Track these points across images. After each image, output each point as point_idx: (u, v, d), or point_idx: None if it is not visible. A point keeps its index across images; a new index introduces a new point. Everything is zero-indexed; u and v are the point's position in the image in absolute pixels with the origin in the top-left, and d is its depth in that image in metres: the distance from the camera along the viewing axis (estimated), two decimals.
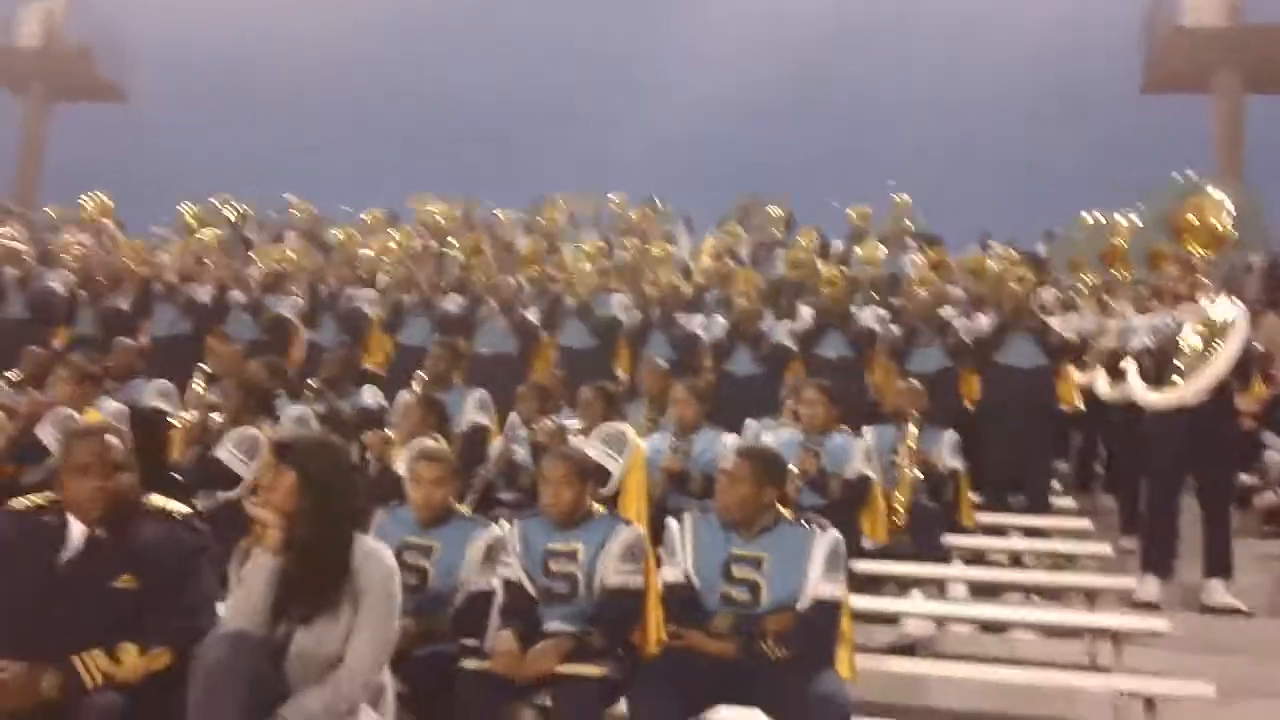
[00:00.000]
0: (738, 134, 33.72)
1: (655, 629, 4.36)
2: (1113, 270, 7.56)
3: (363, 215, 13.59)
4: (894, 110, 33.58)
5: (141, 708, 3.21)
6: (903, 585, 6.22)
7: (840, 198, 13.02)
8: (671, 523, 4.30)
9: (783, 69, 33.34)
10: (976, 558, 6.89)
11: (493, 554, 4.41)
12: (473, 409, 7.28)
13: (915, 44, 33.50)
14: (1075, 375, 8.02)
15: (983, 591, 6.45)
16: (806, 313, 8.90)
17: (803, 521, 4.16)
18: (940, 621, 5.94)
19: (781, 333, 8.71)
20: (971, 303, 9.20)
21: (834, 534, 4.09)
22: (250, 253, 11.92)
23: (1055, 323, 8.11)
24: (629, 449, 6.04)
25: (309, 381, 7.80)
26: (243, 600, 3.32)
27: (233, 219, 13.28)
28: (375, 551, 3.47)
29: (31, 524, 3.50)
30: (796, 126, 33.68)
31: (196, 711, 3.14)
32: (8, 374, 7.74)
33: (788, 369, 8.53)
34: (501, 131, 34.58)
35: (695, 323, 9.14)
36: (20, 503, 3.62)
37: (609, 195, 14.23)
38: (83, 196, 12.59)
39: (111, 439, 3.48)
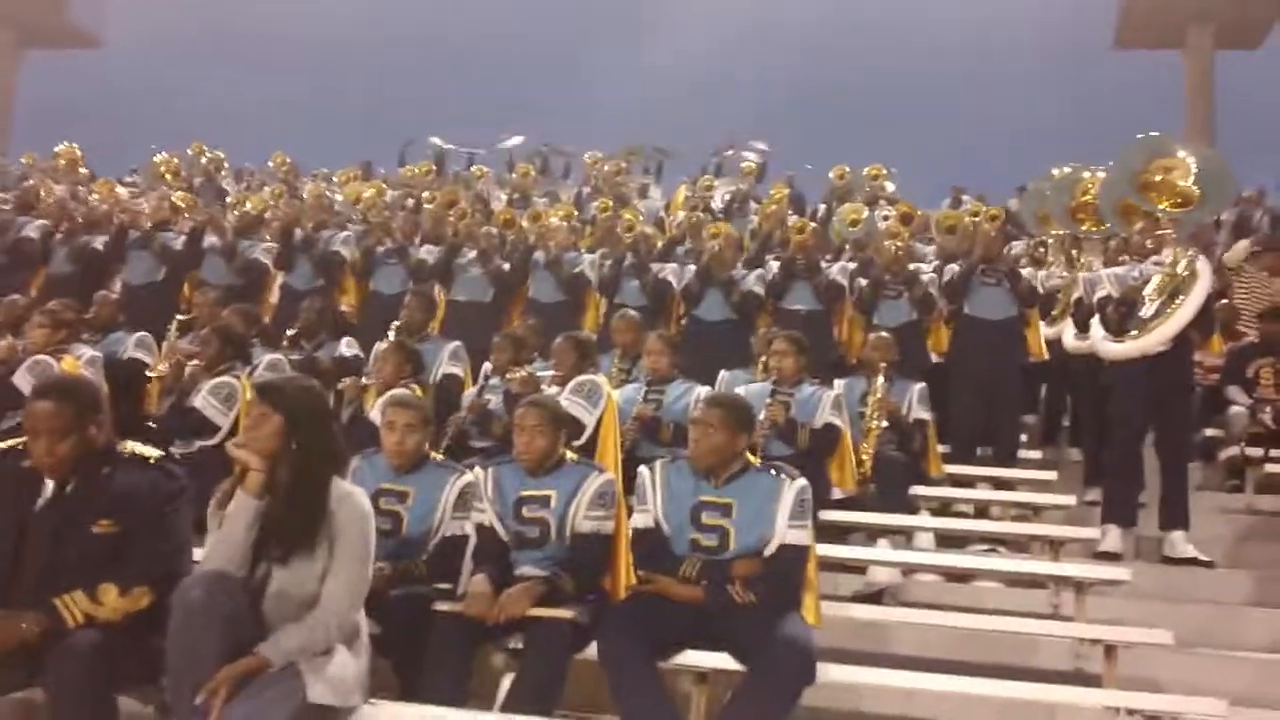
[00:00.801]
0: (724, 76, 33.57)
1: (625, 574, 4.43)
2: (1081, 225, 7.62)
3: (336, 176, 13.53)
4: (864, 64, 33.47)
5: (122, 647, 3.27)
6: (870, 535, 6.31)
7: (819, 144, 13.06)
8: (642, 470, 4.37)
9: (785, 20, 33.18)
10: (943, 508, 7.00)
11: (466, 500, 4.47)
12: (447, 360, 7.36)
13: (919, 8, 33.37)
14: (1043, 328, 8.11)
15: (949, 542, 6.56)
16: (774, 266, 8.93)
17: (771, 469, 4.25)
18: (906, 571, 6.04)
19: (752, 280, 8.72)
20: (944, 258, 9.26)
21: (802, 481, 4.18)
22: (226, 199, 11.88)
23: (1025, 273, 8.19)
24: (603, 400, 6.09)
25: (286, 331, 7.83)
26: (223, 542, 3.37)
27: (207, 168, 13.22)
28: (351, 494, 3.53)
29: (9, 469, 3.53)
30: (794, 82, 33.59)
31: (175, 649, 3.19)
32: None
33: (759, 317, 8.57)
34: (492, 73, 34.30)
35: (667, 271, 9.16)
36: None
37: (585, 155, 14.19)
38: (56, 148, 12.49)
39: (64, 402, 3.45)
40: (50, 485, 3.48)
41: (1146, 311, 6.25)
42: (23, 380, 6.46)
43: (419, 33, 34.61)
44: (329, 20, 34.08)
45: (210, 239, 9.59)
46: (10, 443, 3.65)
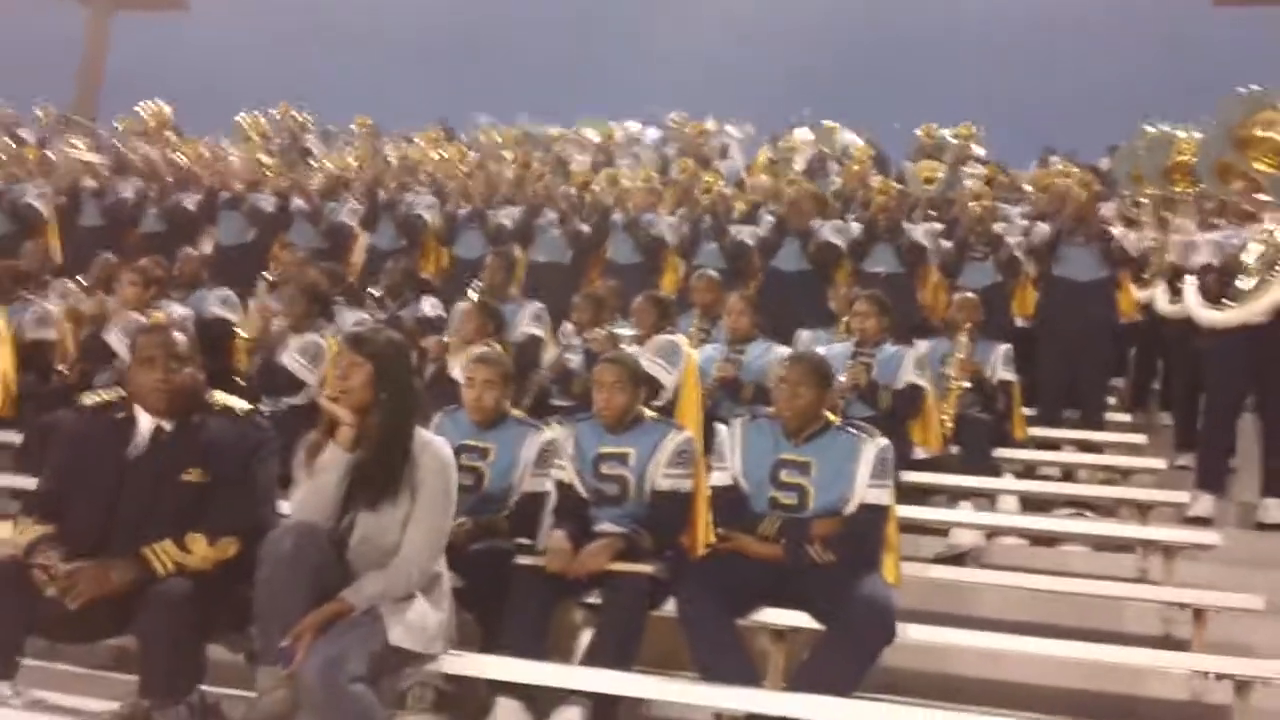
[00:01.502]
0: (798, 58, 33.11)
1: (703, 532, 4.44)
2: (1175, 185, 7.40)
3: (417, 137, 13.60)
4: (956, 28, 32.76)
5: (211, 596, 3.33)
6: (953, 497, 6.25)
7: (899, 112, 12.77)
8: (721, 427, 4.37)
9: None
10: (1028, 471, 6.89)
11: (546, 456, 4.50)
12: (528, 320, 7.41)
13: None
14: (1135, 291, 7.91)
15: (1034, 506, 6.45)
16: (855, 228, 8.80)
17: (851, 428, 4.21)
18: (989, 533, 5.97)
19: (829, 231, 8.61)
20: (1034, 217, 9.06)
21: (882, 441, 4.13)
22: (310, 161, 12.03)
23: (1116, 233, 7.98)
24: (682, 359, 6.08)
25: (369, 290, 7.94)
26: (314, 493, 3.44)
27: (293, 129, 13.39)
28: (433, 443, 3.58)
29: (102, 420, 3.62)
30: (859, 47, 33.00)
31: (264, 597, 3.27)
32: (81, 280, 7.96)
33: (836, 270, 8.48)
34: (558, 53, 34.25)
35: (745, 233, 9.07)
36: (90, 399, 3.75)
37: (669, 115, 14.04)
38: (138, 106, 12.70)
39: (176, 334, 3.59)
40: (144, 435, 3.55)
41: (1247, 283, 6.05)
42: (114, 337, 6.62)
43: (498, 11, 34.70)
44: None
45: (296, 202, 9.72)
46: (104, 396, 3.74)
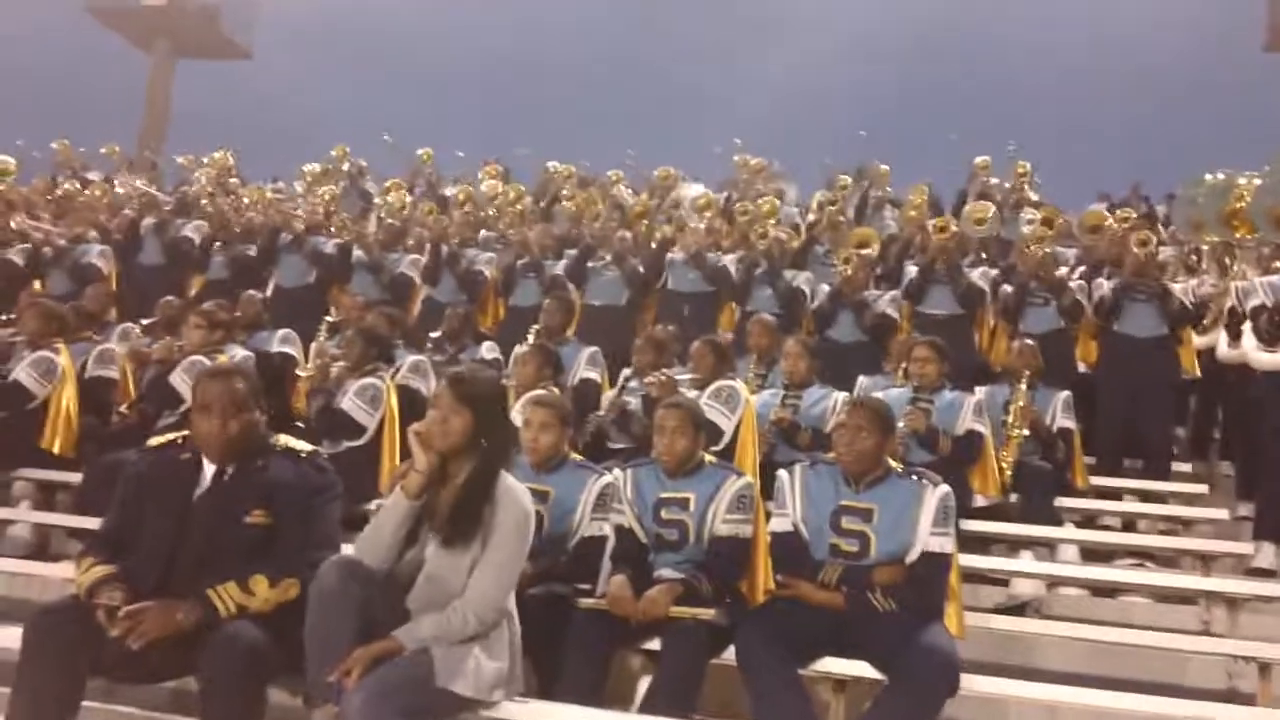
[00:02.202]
0: (859, 84, 33.22)
1: (763, 578, 4.43)
2: (1235, 231, 7.33)
3: (478, 173, 13.74)
4: (1007, 73, 32.76)
5: (272, 637, 3.33)
6: (1013, 546, 6.19)
7: (950, 157, 12.70)
8: (781, 473, 4.35)
9: (905, 21, 32.72)
10: (1088, 521, 6.81)
11: (605, 500, 4.49)
12: (585, 364, 7.45)
13: (1031, 6, 32.63)
14: (1195, 338, 7.83)
15: (1095, 555, 6.37)
16: (911, 270, 8.76)
17: (913, 474, 4.18)
18: (1050, 583, 5.89)
19: (885, 302, 8.56)
20: (1091, 265, 8.98)
21: (945, 488, 4.11)
22: (368, 205, 12.20)
23: (1176, 287, 7.91)
24: (741, 404, 6.08)
25: (430, 335, 8.02)
26: (372, 531, 3.44)
27: (351, 172, 13.59)
28: (514, 490, 3.52)
29: (168, 461, 3.65)
30: (916, 81, 33.08)
31: (311, 634, 3.28)
32: (143, 321, 8.09)
33: (891, 339, 8.45)
34: (619, 82, 34.63)
35: (800, 279, 9.06)
36: (156, 441, 3.80)
37: (735, 156, 14.08)
38: (209, 156, 12.95)
39: (235, 381, 3.59)
40: (208, 476, 3.58)
41: None
42: (179, 380, 6.69)
43: (551, 53, 35.20)
44: (467, 35, 34.86)
45: (357, 253, 9.83)
46: (170, 436, 3.78)
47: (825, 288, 8.85)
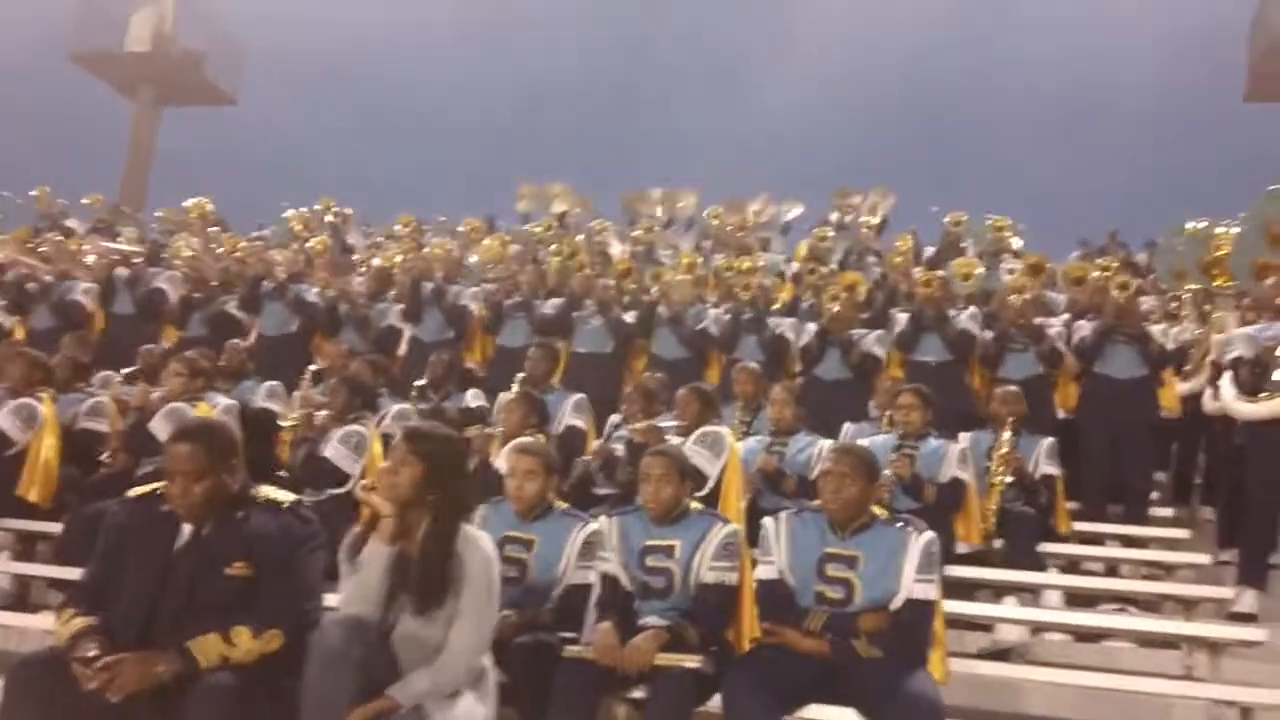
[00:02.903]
0: (834, 132, 33.52)
1: (749, 626, 4.42)
2: (1215, 280, 7.43)
3: (460, 227, 13.81)
4: (993, 115, 33.16)
5: (255, 688, 3.32)
6: (997, 592, 6.20)
7: (937, 198, 12.83)
8: (767, 521, 4.36)
9: (881, 63, 33.11)
10: (1072, 566, 6.83)
11: (590, 548, 4.50)
12: (570, 411, 7.46)
13: (1018, 48, 33.07)
14: (1177, 384, 7.90)
15: (1078, 600, 6.39)
16: (901, 317, 8.83)
17: (898, 522, 4.20)
18: (1034, 629, 5.91)
19: (872, 341, 8.63)
20: (1074, 313, 9.06)
21: (930, 535, 4.12)
22: (354, 256, 12.22)
23: (1156, 331, 7.99)
24: (726, 451, 6.10)
25: (413, 381, 8.02)
26: (359, 586, 3.46)
27: (334, 223, 13.62)
28: (475, 539, 3.58)
29: (148, 513, 3.63)
30: (894, 127, 33.43)
31: (311, 691, 3.27)
32: (123, 370, 8.08)
33: (877, 377, 8.49)
34: (595, 129, 34.87)
35: (785, 325, 9.11)
36: (136, 492, 3.77)
37: (706, 211, 14.21)
38: (187, 202, 12.95)
39: (200, 445, 3.52)
40: (188, 529, 3.56)
41: None
42: (160, 427, 6.66)
43: (526, 91, 35.50)
44: (457, 78, 35.11)
45: (343, 307, 9.83)
46: (149, 487, 3.75)
47: (811, 327, 8.90)
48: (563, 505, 4.77)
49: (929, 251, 12.02)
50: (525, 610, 4.32)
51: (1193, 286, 7.71)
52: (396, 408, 7.29)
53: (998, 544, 6.37)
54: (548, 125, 34.85)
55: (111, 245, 12.07)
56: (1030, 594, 6.27)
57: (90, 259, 11.02)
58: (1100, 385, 7.82)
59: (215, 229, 12.28)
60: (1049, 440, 6.92)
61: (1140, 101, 30.59)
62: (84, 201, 15.08)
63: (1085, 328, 8.10)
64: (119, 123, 24.33)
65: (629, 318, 9.36)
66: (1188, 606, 5.86)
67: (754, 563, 4.42)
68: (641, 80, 36.03)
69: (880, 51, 33.32)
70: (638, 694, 4.06)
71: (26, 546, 6.91)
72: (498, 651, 3.74)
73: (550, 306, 9.53)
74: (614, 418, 7.04)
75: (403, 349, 9.66)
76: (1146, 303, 9.32)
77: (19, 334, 9.94)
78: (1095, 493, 7.53)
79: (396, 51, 34.08)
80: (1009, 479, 6.54)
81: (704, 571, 4.31)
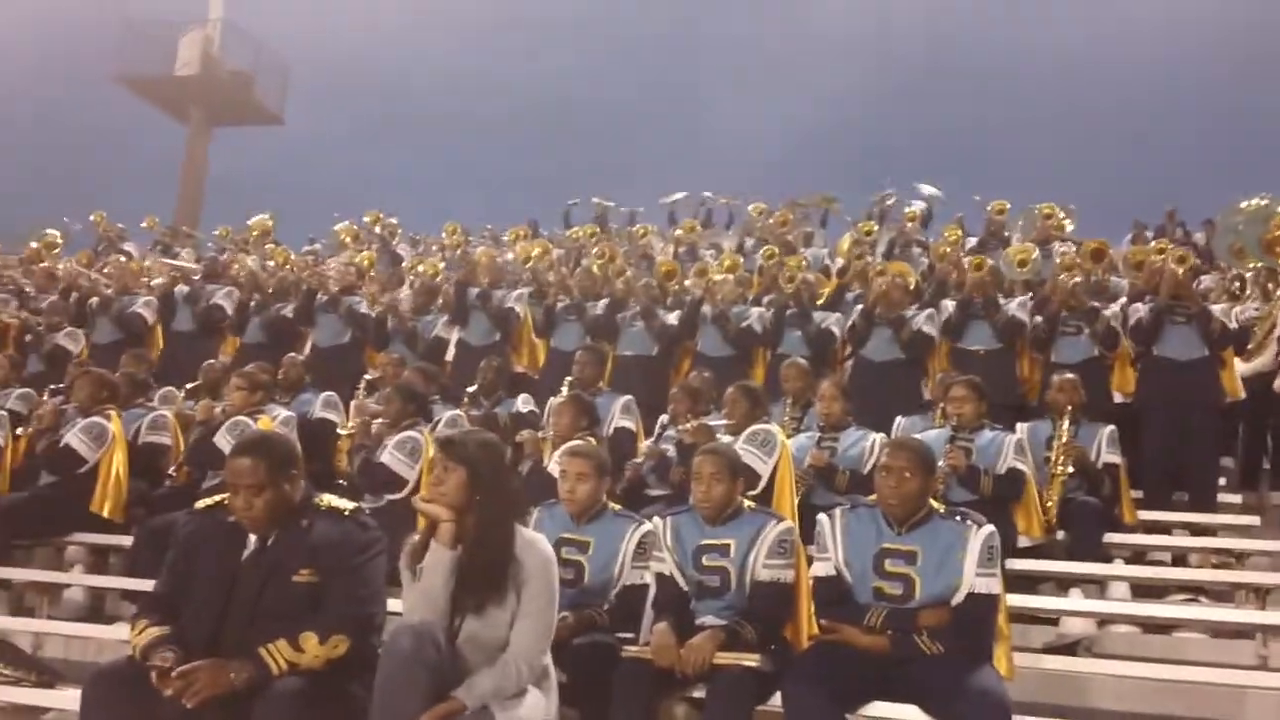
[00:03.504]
0: (870, 120, 33.33)
1: (807, 623, 4.39)
2: (1277, 258, 7.26)
3: (505, 235, 13.86)
4: (1045, 98, 32.82)
5: (322, 693, 3.38)
6: (1061, 585, 6.10)
7: (989, 193, 12.68)
8: (822, 517, 4.31)
9: (909, 51, 32.90)
10: (1138, 556, 6.70)
11: (645, 549, 4.51)
12: (619, 414, 7.46)
13: (1047, 26, 32.73)
14: (1239, 365, 7.72)
15: (1146, 592, 6.27)
16: (949, 304, 8.70)
17: (957, 515, 4.13)
18: (1101, 622, 5.81)
19: (922, 319, 8.44)
20: (1133, 296, 8.87)
21: (990, 528, 4.05)
22: (402, 266, 12.30)
23: (1217, 309, 7.80)
24: (777, 448, 6.04)
25: (464, 387, 8.06)
26: (423, 593, 3.50)
27: (382, 235, 13.73)
28: (534, 541, 3.63)
29: (215, 524, 3.71)
30: (943, 120, 33.17)
31: (382, 696, 3.32)
32: (187, 385, 8.22)
33: (929, 357, 8.36)
34: (631, 131, 34.97)
35: (830, 320, 8.98)
36: (203, 504, 3.85)
37: (749, 207, 14.14)
38: (250, 220, 13.12)
39: (261, 458, 3.58)
40: (254, 538, 3.63)
41: None
42: (223, 441, 6.78)
43: (569, 99, 35.69)
44: (490, 94, 35.42)
45: (391, 321, 9.88)
46: (215, 499, 3.83)
47: (857, 309, 8.79)
48: (616, 507, 4.78)
49: (972, 242, 11.83)
50: (583, 611, 4.34)
51: (1255, 264, 7.52)
52: (449, 414, 7.34)
53: (1061, 536, 6.26)
54: (580, 128, 35.04)
55: (171, 262, 12.27)
56: (1096, 586, 6.15)
57: (156, 281, 11.19)
58: (1160, 368, 7.60)
59: (272, 246, 12.41)
60: (1109, 428, 6.77)
61: (1185, 79, 30.11)
62: (142, 225, 15.38)
63: (1141, 309, 7.91)
64: (170, 146, 24.77)
65: (673, 319, 9.31)
66: (1261, 595, 5.72)
67: (809, 560, 4.39)
68: (672, 80, 36.10)
69: (908, 40, 33.08)
70: (697, 694, 4.05)
71: (99, 560, 7.12)
72: (556, 652, 3.75)
73: (600, 308, 9.52)
74: (663, 418, 7.02)
75: (450, 354, 9.69)
76: (1206, 282, 9.12)
77: (82, 350, 10.12)
78: (1158, 480, 7.33)
79: (436, 66, 34.39)
80: (1070, 469, 6.42)
81: (759, 570, 4.28)
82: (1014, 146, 30.86)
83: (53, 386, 7.68)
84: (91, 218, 14.69)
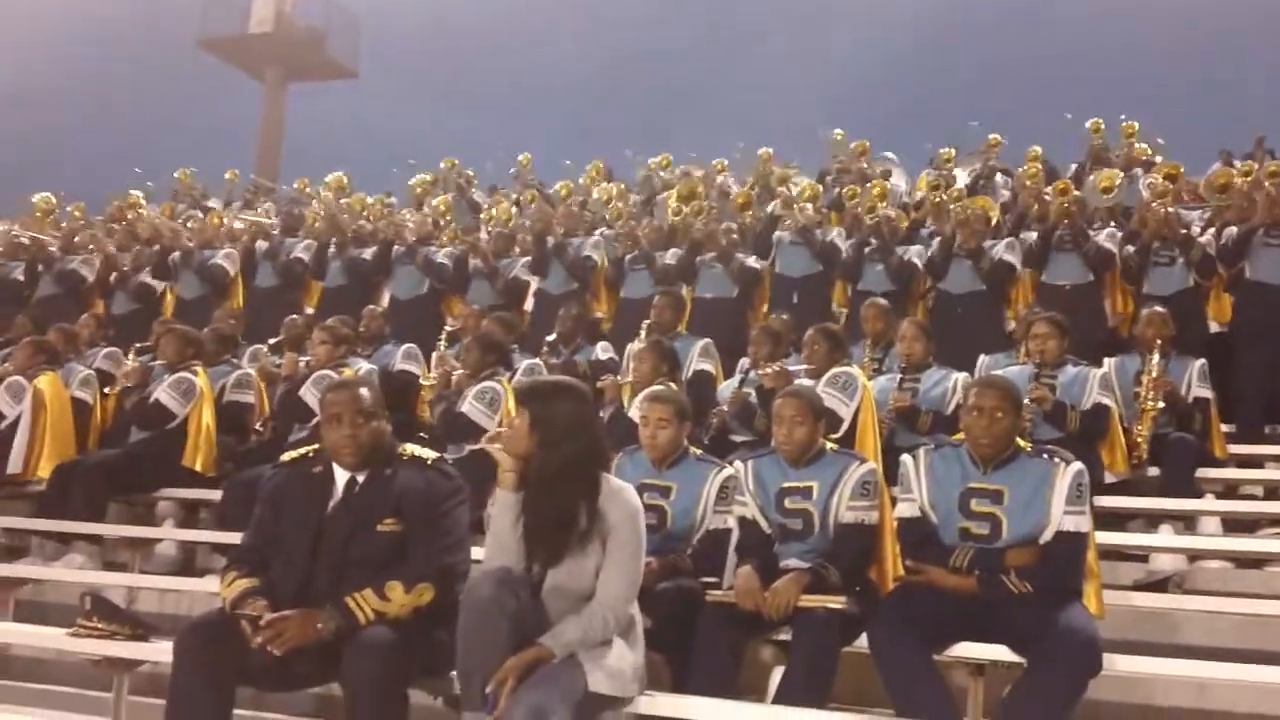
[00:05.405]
0: (942, 56, 32.61)
1: (892, 565, 4.38)
2: None
3: (581, 178, 13.82)
4: (1131, 23, 31.80)
5: (409, 641, 3.42)
6: (1150, 521, 6.00)
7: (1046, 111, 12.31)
8: (905, 458, 4.26)
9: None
10: (1230, 491, 6.56)
11: (727, 493, 4.50)
12: (698, 356, 7.45)
13: None
14: None
15: (1237, 526, 6.15)
16: (1031, 236, 8.48)
17: (1044, 453, 4.06)
18: (1192, 557, 5.71)
19: (1002, 248, 8.27)
20: (1221, 225, 8.61)
21: (1078, 465, 3.98)
22: (479, 215, 12.36)
23: None
24: (859, 391, 6.00)
25: (543, 336, 8.11)
26: (495, 537, 3.51)
27: (460, 184, 13.79)
28: (621, 490, 3.57)
29: (301, 475, 3.77)
30: (1007, 44, 32.38)
31: (465, 643, 3.33)
32: (270, 341, 8.36)
33: (1010, 288, 8.20)
34: (697, 79, 34.66)
35: (912, 253, 8.82)
36: (289, 456, 3.91)
37: (834, 131, 13.85)
38: (328, 177, 13.23)
39: (362, 390, 3.70)
40: (340, 487, 3.68)
41: None
42: (309, 394, 6.90)
43: (643, 48, 35.45)
44: (563, 42, 35.26)
45: (473, 262, 9.96)
46: (301, 451, 3.90)
47: (935, 242, 8.65)
48: (697, 451, 4.77)
49: (1072, 169, 11.50)
50: (666, 556, 4.35)
51: None
52: (528, 363, 7.38)
53: (1152, 472, 6.15)
54: (645, 79, 34.83)
55: (249, 216, 12.44)
56: (1184, 522, 6.05)
57: (238, 226, 11.35)
58: (1254, 293, 7.38)
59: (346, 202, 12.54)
60: (1200, 362, 6.60)
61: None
62: (225, 177, 15.58)
63: (1232, 233, 7.65)
64: (246, 105, 25.09)
65: (752, 261, 9.23)
66: None
67: (894, 501, 4.36)
68: (720, 35, 35.68)
69: None
70: (782, 637, 4.05)
71: (190, 514, 7.28)
72: (640, 598, 3.73)
73: (671, 256, 9.47)
74: (743, 361, 6.99)
75: (529, 304, 9.74)
76: None
77: (168, 303, 10.33)
78: (1252, 412, 7.13)
79: (504, 19, 34.32)
80: (1161, 404, 6.28)
81: (843, 511, 4.26)
82: (1102, 71, 29.93)
83: (139, 345, 7.83)
84: (176, 174, 14.95)
